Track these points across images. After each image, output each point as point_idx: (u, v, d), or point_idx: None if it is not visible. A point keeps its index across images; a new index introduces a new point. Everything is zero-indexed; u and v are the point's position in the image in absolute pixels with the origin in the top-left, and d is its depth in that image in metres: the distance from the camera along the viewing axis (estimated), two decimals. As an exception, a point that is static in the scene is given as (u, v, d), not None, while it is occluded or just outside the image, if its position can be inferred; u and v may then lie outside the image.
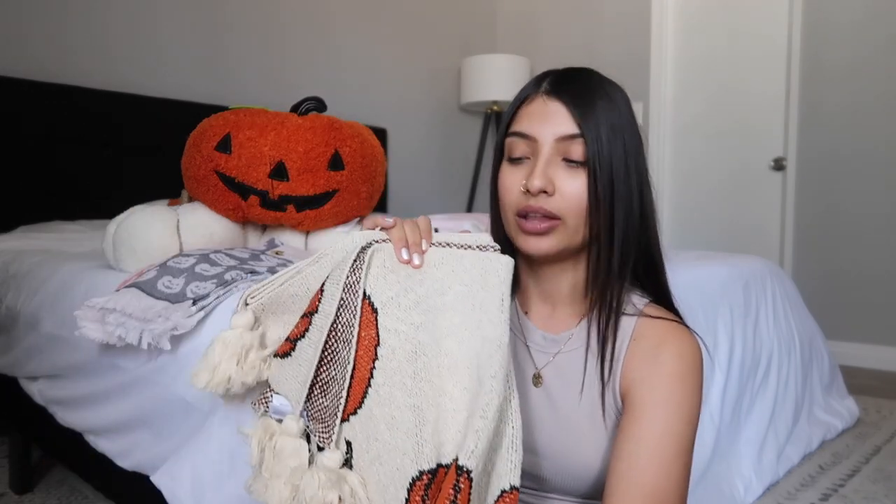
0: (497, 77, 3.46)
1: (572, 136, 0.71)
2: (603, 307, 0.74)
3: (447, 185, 3.80)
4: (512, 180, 0.73)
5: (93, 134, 2.26)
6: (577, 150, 0.71)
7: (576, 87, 0.73)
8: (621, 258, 0.73)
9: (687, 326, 0.77)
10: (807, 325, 2.09)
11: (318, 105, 1.58)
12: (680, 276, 1.67)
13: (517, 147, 0.74)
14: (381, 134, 3.25)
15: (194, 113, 1.86)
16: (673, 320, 0.76)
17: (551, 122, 0.72)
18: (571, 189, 0.71)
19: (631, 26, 3.56)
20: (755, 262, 2.01)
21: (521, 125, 0.74)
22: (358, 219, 1.60)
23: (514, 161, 0.74)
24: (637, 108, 3.55)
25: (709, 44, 3.42)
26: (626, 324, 0.75)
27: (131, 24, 2.44)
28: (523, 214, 0.72)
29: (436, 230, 0.74)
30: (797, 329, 1.99)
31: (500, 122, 0.84)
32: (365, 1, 3.30)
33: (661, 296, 0.79)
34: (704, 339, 1.52)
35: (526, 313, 0.82)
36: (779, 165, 3.21)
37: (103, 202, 2.21)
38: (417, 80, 3.61)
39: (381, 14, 3.39)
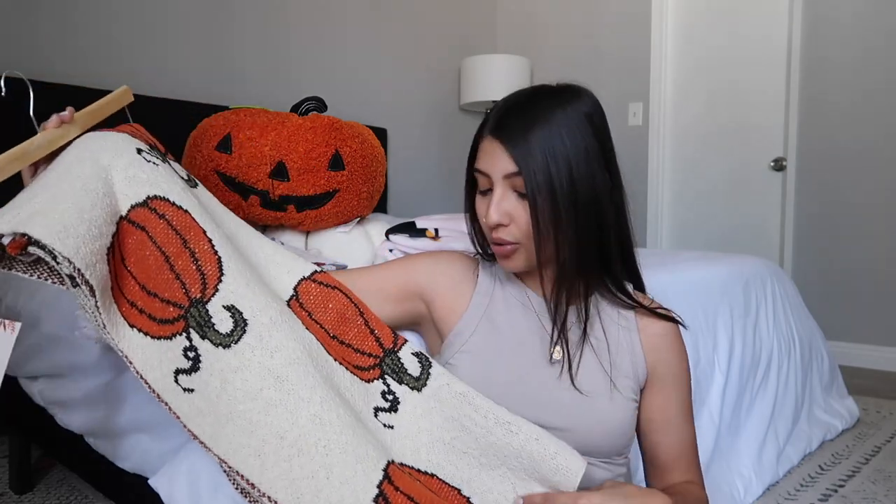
0: (497, 77, 3.46)
1: (513, 174, 0.79)
2: (572, 311, 0.86)
3: (447, 185, 3.80)
4: (481, 210, 0.85)
5: (93, 134, 2.26)
6: (520, 184, 0.79)
7: (513, 123, 0.80)
8: (579, 268, 0.82)
9: (665, 308, 0.93)
10: (807, 325, 2.09)
11: (319, 105, 1.58)
12: (680, 276, 1.67)
13: (482, 181, 0.84)
14: (381, 134, 3.25)
15: (194, 113, 1.86)
16: (662, 309, 0.91)
17: (496, 160, 0.80)
18: (523, 218, 0.80)
19: (631, 26, 3.56)
20: (755, 262, 2.01)
21: (479, 163, 0.84)
22: (358, 219, 1.60)
23: (483, 193, 0.85)
24: (637, 108, 3.56)
25: (709, 44, 3.42)
26: (627, 316, 0.90)
27: (131, 23, 2.45)
28: (492, 241, 0.84)
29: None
30: (797, 329, 1.99)
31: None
32: (365, 1, 3.30)
33: (637, 285, 0.93)
34: (704, 339, 1.58)
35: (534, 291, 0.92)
36: (779, 165, 3.21)
37: (103, 202, 2.20)
38: (417, 80, 3.61)
39: (382, 14, 3.39)
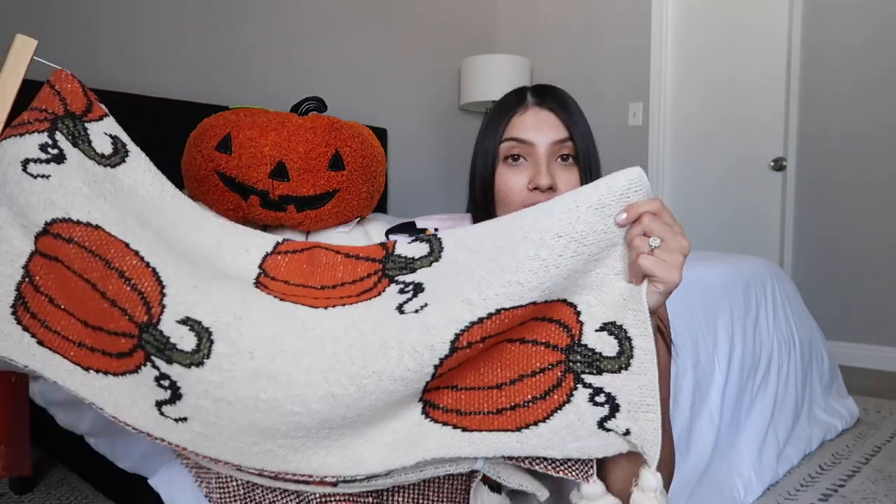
0: (497, 77, 3.46)
1: (563, 140, 0.86)
2: None
3: (447, 185, 3.80)
4: (516, 179, 0.87)
5: (93, 134, 2.26)
6: (567, 150, 0.87)
7: (557, 98, 0.89)
8: None
9: None
10: (807, 325, 2.09)
11: (319, 105, 1.58)
12: (680, 276, 1.67)
13: (514, 151, 0.88)
14: (381, 134, 3.25)
15: (194, 113, 1.86)
16: None
17: (545, 128, 0.86)
18: (568, 182, 0.86)
19: (631, 26, 3.56)
20: (755, 262, 2.01)
21: (518, 132, 0.87)
22: (358, 219, 1.60)
23: (513, 163, 0.88)
24: (637, 108, 3.56)
25: (709, 44, 3.42)
26: None
27: (131, 24, 2.45)
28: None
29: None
30: (797, 329, 1.99)
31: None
32: (365, 1, 3.30)
33: None
34: (704, 339, 1.58)
35: None
36: (779, 165, 3.21)
37: (103, 202, 2.20)
38: (417, 80, 3.61)
39: (382, 14, 3.39)
